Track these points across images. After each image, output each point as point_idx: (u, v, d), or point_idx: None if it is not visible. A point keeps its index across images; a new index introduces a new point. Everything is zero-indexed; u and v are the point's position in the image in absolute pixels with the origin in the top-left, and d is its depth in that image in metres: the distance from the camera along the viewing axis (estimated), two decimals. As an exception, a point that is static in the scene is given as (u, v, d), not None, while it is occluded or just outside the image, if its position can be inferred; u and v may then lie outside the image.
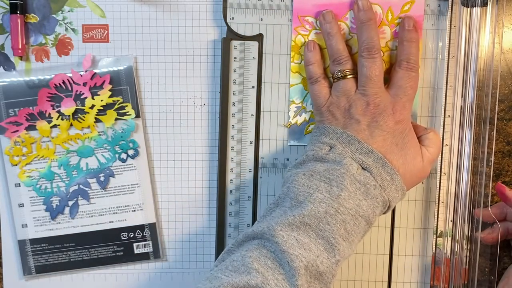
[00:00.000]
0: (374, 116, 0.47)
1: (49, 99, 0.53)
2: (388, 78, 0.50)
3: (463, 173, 0.53)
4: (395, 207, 0.54)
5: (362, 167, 0.45)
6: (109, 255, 0.55)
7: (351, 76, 0.49)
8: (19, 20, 0.53)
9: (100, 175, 0.55)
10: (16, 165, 0.54)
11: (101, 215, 0.55)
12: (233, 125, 0.54)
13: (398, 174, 0.46)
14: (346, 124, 0.47)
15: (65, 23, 0.54)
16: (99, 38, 0.54)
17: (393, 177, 0.46)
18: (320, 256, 0.42)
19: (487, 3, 0.51)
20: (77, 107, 0.54)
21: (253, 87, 0.54)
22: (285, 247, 0.41)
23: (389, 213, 0.55)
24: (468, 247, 0.53)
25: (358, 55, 0.49)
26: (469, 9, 0.51)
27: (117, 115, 0.54)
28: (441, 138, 0.52)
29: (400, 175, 0.46)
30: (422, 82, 0.54)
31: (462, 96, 0.52)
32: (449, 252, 0.53)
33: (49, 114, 0.54)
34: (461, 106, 0.52)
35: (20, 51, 0.53)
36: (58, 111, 0.54)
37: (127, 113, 0.54)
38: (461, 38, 0.52)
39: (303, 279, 0.41)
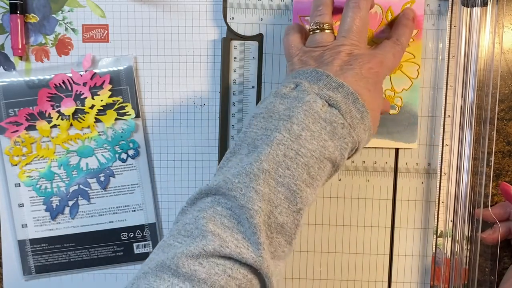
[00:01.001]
0: (349, 61, 0.43)
1: (49, 99, 0.53)
2: None
3: (463, 173, 0.53)
4: (395, 206, 0.54)
5: (328, 104, 0.41)
6: (109, 255, 0.55)
7: (329, 30, 0.45)
8: (19, 20, 0.53)
9: (100, 175, 0.55)
10: (16, 165, 0.54)
11: (101, 215, 0.55)
12: (233, 125, 0.54)
13: (368, 113, 0.42)
14: (318, 66, 0.43)
15: (65, 23, 0.54)
16: (99, 38, 0.54)
17: (363, 116, 0.41)
18: (280, 206, 0.39)
19: (487, 3, 0.51)
20: (77, 107, 0.54)
21: (253, 87, 0.54)
22: (243, 202, 0.38)
23: (389, 213, 0.55)
24: (468, 247, 0.53)
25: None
26: (469, 9, 0.51)
27: (117, 115, 0.54)
28: (442, 139, 0.52)
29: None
30: (422, 82, 0.54)
31: (462, 96, 0.52)
32: (449, 252, 0.53)
33: (49, 114, 0.54)
34: (461, 106, 0.52)
35: (20, 51, 0.53)
36: (58, 111, 0.54)
37: (127, 113, 0.54)
38: (461, 38, 0.52)
39: (263, 235, 0.38)
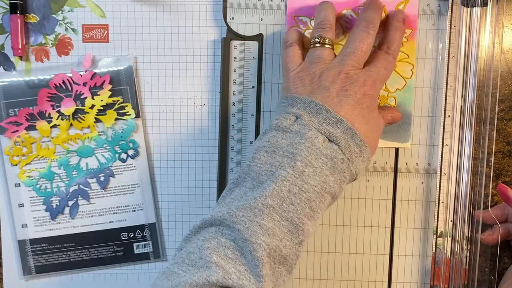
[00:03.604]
0: (344, 85, 0.44)
1: (49, 99, 0.53)
2: None
3: (463, 173, 0.53)
4: (395, 206, 0.54)
5: (329, 140, 0.43)
6: (109, 255, 0.55)
7: (329, 46, 0.46)
8: (19, 20, 0.53)
9: (100, 175, 0.55)
10: (16, 165, 0.54)
11: (101, 215, 0.55)
12: (233, 125, 0.54)
13: (367, 146, 0.44)
14: (314, 90, 0.44)
15: (65, 23, 0.54)
16: (99, 38, 0.54)
17: (361, 149, 0.44)
18: (284, 239, 0.40)
19: (487, 3, 0.51)
20: (77, 107, 0.54)
21: (253, 87, 0.54)
22: (247, 235, 0.39)
23: (389, 213, 0.55)
24: (468, 247, 0.53)
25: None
26: (469, 9, 0.51)
27: (117, 115, 0.54)
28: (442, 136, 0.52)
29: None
30: (422, 82, 0.54)
31: (462, 96, 0.52)
32: (449, 252, 0.53)
33: (49, 114, 0.54)
34: (461, 106, 0.52)
35: (20, 51, 0.53)
36: (58, 111, 0.54)
37: (127, 113, 0.54)
38: (461, 38, 0.52)
39: (266, 268, 0.39)
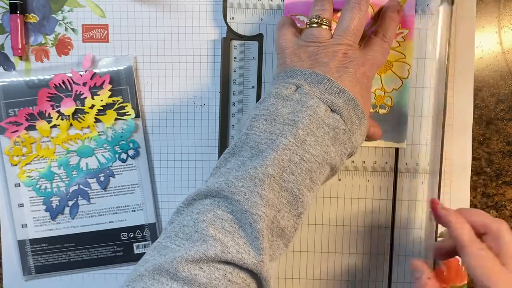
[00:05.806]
0: (344, 63, 0.43)
1: (49, 99, 0.53)
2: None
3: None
4: (395, 206, 0.54)
5: (331, 109, 0.41)
6: (109, 255, 0.55)
7: (326, 26, 0.45)
8: (19, 20, 0.53)
9: (100, 175, 0.55)
10: (16, 165, 0.54)
11: (101, 215, 0.55)
12: (233, 125, 0.54)
13: (366, 119, 0.43)
14: (313, 65, 0.43)
15: (65, 23, 0.54)
16: (99, 38, 0.54)
17: (361, 122, 0.42)
18: (282, 210, 0.39)
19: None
20: (77, 107, 0.54)
21: (253, 87, 0.54)
22: (247, 206, 0.37)
23: (389, 213, 0.55)
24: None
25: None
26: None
27: (117, 115, 0.54)
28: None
29: None
30: (422, 81, 0.54)
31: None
32: (449, 252, 0.53)
33: (49, 114, 0.54)
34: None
35: (20, 51, 0.53)
36: (58, 111, 0.54)
37: (127, 113, 0.54)
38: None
39: (265, 240, 0.38)
